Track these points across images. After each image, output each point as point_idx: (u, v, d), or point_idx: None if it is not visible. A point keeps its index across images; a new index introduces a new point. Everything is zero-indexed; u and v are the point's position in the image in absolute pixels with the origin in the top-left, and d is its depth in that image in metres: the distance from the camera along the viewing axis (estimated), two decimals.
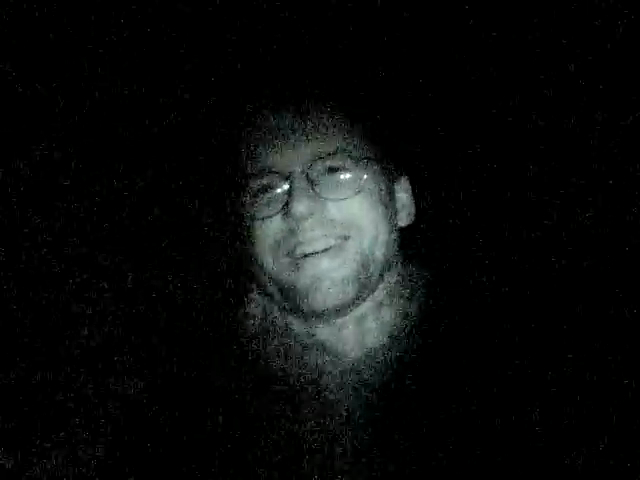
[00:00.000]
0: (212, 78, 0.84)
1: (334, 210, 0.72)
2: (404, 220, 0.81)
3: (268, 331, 0.78)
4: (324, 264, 0.71)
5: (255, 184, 0.74)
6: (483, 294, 0.80)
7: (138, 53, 0.91)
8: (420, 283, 0.81)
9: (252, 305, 0.82)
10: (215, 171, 0.81)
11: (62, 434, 0.81)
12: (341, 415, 0.71)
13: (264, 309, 0.81)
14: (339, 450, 0.69)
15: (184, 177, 0.91)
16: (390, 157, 0.80)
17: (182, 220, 0.94)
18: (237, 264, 0.82)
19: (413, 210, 0.82)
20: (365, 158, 0.75)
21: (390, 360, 0.73)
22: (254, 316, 0.81)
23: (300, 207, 0.70)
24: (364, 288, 0.74)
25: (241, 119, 0.78)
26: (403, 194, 0.82)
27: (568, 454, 0.66)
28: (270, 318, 0.79)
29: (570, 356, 0.71)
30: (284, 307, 0.77)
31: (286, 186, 0.72)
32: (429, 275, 0.82)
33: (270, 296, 0.78)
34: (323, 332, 0.75)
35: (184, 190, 0.91)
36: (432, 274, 0.82)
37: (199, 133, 0.85)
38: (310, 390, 0.72)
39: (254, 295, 0.82)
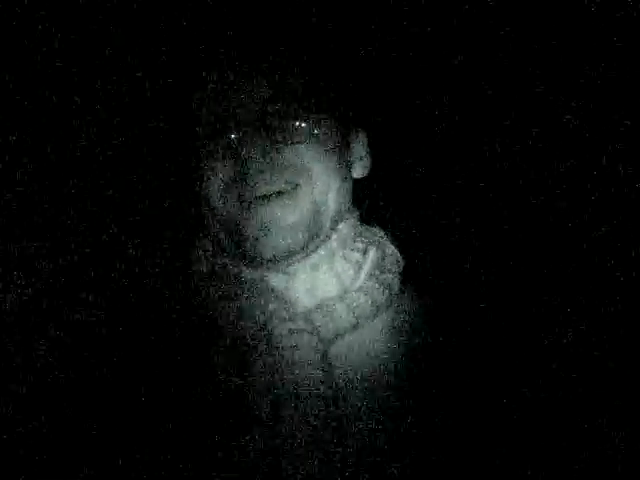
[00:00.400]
0: (165, 25, 0.81)
1: (286, 155, 0.71)
2: (359, 172, 0.80)
3: (219, 277, 0.76)
4: (274, 209, 0.70)
5: (207, 129, 0.72)
6: (429, 252, 0.81)
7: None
8: (373, 237, 0.81)
9: (201, 251, 0.80)
10: (169, 116, 0.79)
11: None
12: (294, 360, 0.69)
13: (214, 255, 0.79)
14: (289, 400, 0.68)
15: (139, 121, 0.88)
16: (348, 108, 0.79)
17: (134, 163, 0.91)
18: (187, 208, 0.80)
19: (369, 163, 0.81)
20: (321, 106, 0.73)
21: (342, 310, 0.73)
22: (204, 261, 0.79)
23: (251, 149, 0.69)
24: (315, 237, 0.73)
25: (195, 65, 0.75)
26: (359, 146, 0.81)
27: (567, 454, 0.67)
28: (220, 265, 0.78)
29: (563, 358, 0.71)
30: (234, 254, 0.75)
31: (238, 129, 0.70)
32: (381, 230, 0.83)
33: (220, 242, 0.76)
34: (274, 279, 0.74)
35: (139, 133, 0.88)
36: (384, 229, 0.82)
37: (154, 79, 0.82)
38: (262, 337, 0.71)
39: (204, 241, 0.80)
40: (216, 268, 0.78)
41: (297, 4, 0.78)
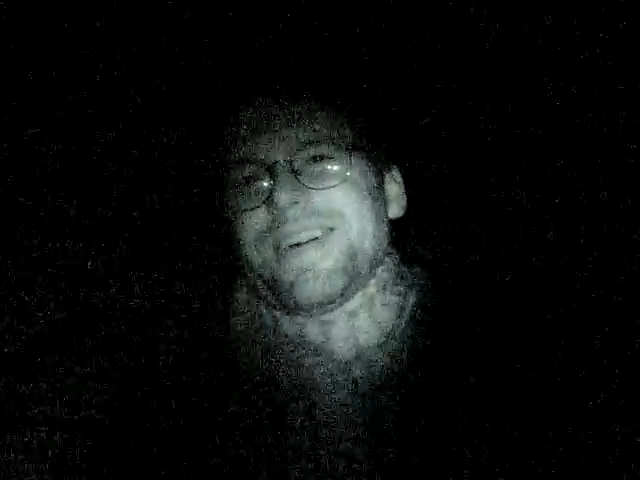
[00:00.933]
0: (194, 68, 0.81)
1: (319, 200, 0.69)
2: (395, 212, 0.78)
3: (256, 330, 0.75)
4: (309, 255, 0.68)
5: (237, 175, 0.71)
6: (477, 292, 0.78)
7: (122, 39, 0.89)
8: (414, 279, 0.78)
9: (239, 302, 0.78)
10: (197, 163, 0.78)
11: None
12: (333, 416, 0.67)
13: (251, 306, 0.77)
14: (332, 455, 0.66)
15: (165, 170, 0.88)
16: (379, 146, 0.77)
17: (165, 215, 0.91)
18: (223, 260, 0.79)
19: (404, 202, 0.79)
20: (351, 147, 0.71)
21: (383, 360, 0.70)
22: (241, 313, 0.77)
23: (283, 196, 0.67)
24: (352, 281, 0.71)
25: (223, 108, 0.75)
26: (394, 185, 0.79)
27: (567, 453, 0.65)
28: (257, 316, 0.76)
29: (561, 351, 0.69)
30: (271, 303, 0.73)
31: (269, 176, 0.69)
32: (423, 271, 0.79)
33: (257, 292, 0.74)
34: (312, 329, 0.72)
35: (166, 183, 0.88)
36: (426, 270, 0.79)
37: (181, 123, 0.82)
38: (301, 392, 0.69)
39: (241, 292, 0.79)
40: (254, 320, 0.76)
41: (327, 46, 0.77)
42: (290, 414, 0.68)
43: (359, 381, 0.69)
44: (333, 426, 0.66)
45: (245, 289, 0.78)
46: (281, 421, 0.68)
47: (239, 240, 0.72)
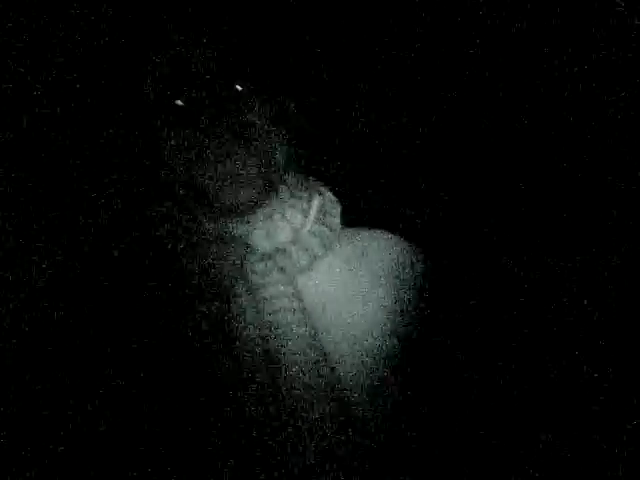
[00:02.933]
0: None
1: (235, 112, 0.80)
2: (295, 124, 0.88)
3: (183, 232, 0.85)
4: (231, 164, 0.79)
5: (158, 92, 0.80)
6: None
7: None
8: (316, 188, 0.92)
9: (163, 209, 0.87)
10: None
11: None
12: (269, 298, 0.81)
13: (175, 213, 0.87)
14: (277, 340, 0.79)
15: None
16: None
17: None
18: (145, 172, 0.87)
19: (300, 119, 0.89)
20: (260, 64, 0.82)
21: (297, 252, 0.85)
22: (166, 219, 0.87)
23: (201, 106, 0.78)
24: (268, 187, 0.83)
25: None
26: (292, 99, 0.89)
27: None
28: (182, 221, 0.86)
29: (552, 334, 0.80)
30: (195, 211, 0.85)
31: (187, 89, 0.79)
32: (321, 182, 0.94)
33: (180, 202, 0.85)
34: (237, 229, 0.84)
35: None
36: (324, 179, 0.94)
37: None
38: (230, 282, 0.81)
39: (162, 205, 0.88)
40: (179, 225, 0.86)
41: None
42: (233, 300, 0.81)
43: (284, 269, 0.83)
44: (273, 306, 0.80)
45: (164, 202, 0.88)
46: (219, 312, 0.81)
47: (166, 154, 0.81)
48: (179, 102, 0.79)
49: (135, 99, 0.83)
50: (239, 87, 0.81)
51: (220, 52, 0.80)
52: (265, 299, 0.80)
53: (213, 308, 0.81)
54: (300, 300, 0.81)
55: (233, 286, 0.81)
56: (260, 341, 0.79)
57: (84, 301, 0.82)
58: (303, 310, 0.80)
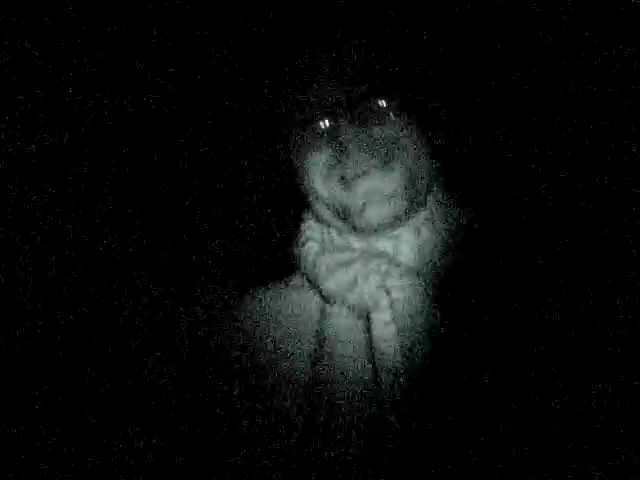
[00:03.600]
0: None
1: (377, 133, 0.79)
2: (440, 139, 0.86)
3: (330, 250, 0.86)
4: (374, 182, 0.79)
5: (299, 118, 0.81)
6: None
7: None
8: (462, 203, 0.88)
9: (310, 231, 0.89)
10: (260, 110, 0.87)
11: None
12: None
13: (322, 233, 0.88)
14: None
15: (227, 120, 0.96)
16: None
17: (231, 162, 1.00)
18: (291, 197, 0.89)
19: (446, 130, 0.88)
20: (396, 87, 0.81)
21: (446, 266, 0.82)
22: (314, 239, 0.88)
23: (344, 131, 0.78)
24: (413, 202, 0.81)
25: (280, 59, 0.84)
26: (438, 114, 0.87)
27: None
28: (329, 240, 0.87)
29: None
30: (339, 228, 0.85)
31: (330, 116, 0.80)
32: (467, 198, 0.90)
33: (326, 222, 0.86)
34: (382, 244, 0.83)
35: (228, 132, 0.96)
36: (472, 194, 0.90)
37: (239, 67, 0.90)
38: (379, 296, 0.79)
39: (311, 223, 0.90)
40: (326, 244, 0.87)
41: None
42: (372, 319, 0.79)
43: (431, 284, 0.80)
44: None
45: (313, 219, 0.89)
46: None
47: (308, 178, 0.82)
48: (323, 123, 0.80)
49: (279, 119, 0.84)
50: (382, 102, 0.80)
51: (362, 67, 0.80)
52: (407, 316, 0.78)
53: (353, 324, 0.81)
54: (442, 319, 0.77)
55: (375, 301, 0.79)
56: (399, 360, 0.76)
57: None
58: (445, 329, 0.77)
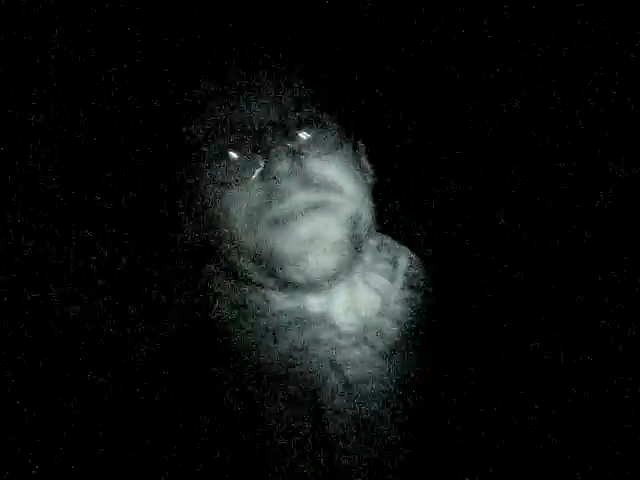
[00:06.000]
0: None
1: (314, 168, 0.66)
2: (370, 180, 0.76)
3: (247, 313, 0.69)
4: (315, 225, 0.64)
5: (219, 144, 0.66)
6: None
7: None
8: (396, 246, 0.77)
9: (220, 287, 0.72)
10: (171, 133, 0.70)
11: None
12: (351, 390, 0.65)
13: (235, 291, 0.71)
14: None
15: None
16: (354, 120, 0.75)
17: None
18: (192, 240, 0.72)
19: (372, 172, 0.77)
20: (335, 117, 0.69)
21: (387, 325, 0.69)
22: (226, 298, 0.71)
23: (279, 165, 0.63)
24: (356, 251, 0.68)
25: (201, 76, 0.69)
26: (364, 157, 0.77)
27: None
28: (245, 299, 0.70)
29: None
30: (261, 284, 0.69)
31: (259, 143, 0.64)
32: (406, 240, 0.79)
33: (240, 274, 0.69)
34: (314, 305, 0.68)
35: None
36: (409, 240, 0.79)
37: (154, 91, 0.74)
38: (310, 369, 0.65)
39: (220, 277, 0.72)
40: (242, 303, 0.70)
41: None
42: (304, 394, 0.64)
43: (369, 350, 0.66)
44: (363, 390, 0.65)
45: (223, 273, 0.72)
46: (295, 402, 0.64)
47: (228, 219, 0.66)
48: (255, 156, 0.65)
49: (192, 152, 0.68)
50: (321, 133, 0.67)
51: (300, 92, 0.67)
52: (356, 381, 0.64)
53: (299, 394, 0.65)
54: (394, 380, 0.65)
55: (324, 379, 0.65)
56: (353, 427, 0.63)
57: None
58: (399, 394, 0.64)
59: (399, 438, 0.63)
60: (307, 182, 0.64)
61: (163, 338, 0.71)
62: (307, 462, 0.62)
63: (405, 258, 0.74)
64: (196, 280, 0.74)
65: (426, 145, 0.90)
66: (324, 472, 0.62)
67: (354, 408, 0.63)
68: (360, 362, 0.65)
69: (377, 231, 0.75)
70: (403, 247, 0.77)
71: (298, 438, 0.63)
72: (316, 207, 0.64)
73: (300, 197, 0.64)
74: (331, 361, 0.65)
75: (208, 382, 0.66)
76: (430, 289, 0.73)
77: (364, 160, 0.77)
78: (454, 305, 0.74)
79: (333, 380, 0.64)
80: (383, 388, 0.64)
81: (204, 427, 0.64)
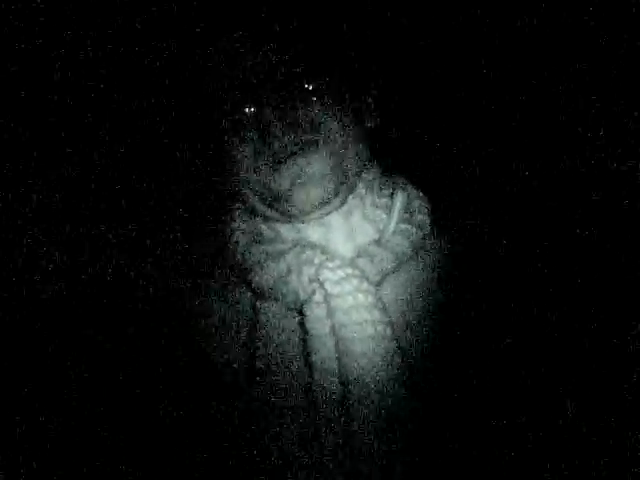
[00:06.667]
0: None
1: (303, 113, 0.74)
2: (371, 122, 0.83)
3: (259, 241, 0.81)
4: (300, 163, 0.74)
5: (221, 103, 0.76)
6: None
7: None
8: (398, 182, 0.84)
9: (237, 221, 0.83)
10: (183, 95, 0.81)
11: None
12: (346, 309, 0.73)
13: (249, 224, 0.83)
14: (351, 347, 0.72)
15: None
16: (354, 63, 0.81)
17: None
18: (214, 186, 0.84)
19: (378, 112, 0.84)
20: (328, 63, 0.76)
21: (383, 254, 0.77)
22: (241, 229, 0.82)
23: (270, 114, 0.73)
24: (342, 184, 0.76)
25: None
26: (369, 97, 0.83)
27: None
28: (257, 231, 0.82)
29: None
30: (269, 216, 0.79)
31: (254, 96, 0.74)
32: (405, 177, 0.86)
33: (254, 211, 0.80)
34: (313, 232, 0.78)
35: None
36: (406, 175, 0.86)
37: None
38: (313, 292, 0.74)
39: (238, 213, 0.84)
40: (255, 234, 0.81)
41: None
42: (308, 313, 0.74)
43: (365, 273, 0.75)
44: (351, 316, 0.72)
45: (240, 209, 0.84)
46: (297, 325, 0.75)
47: (234, 161, 0.76)
48: (247, 107, 0.75)
49: (201, 104, 0.78)
50: (309, 85, 0.75)
51: (289, 50, 0.75)
52: (343, 310, 0.72)
53: (286, 320, 0.75)
54: (382, 311, 0.73)
55: (309, 296, 0.74)
56: (335, 358, 0.72)
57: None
58: (386, 323, 0.72)
59: (380, 362, 0.71)
60: (295, 127, 0.74)
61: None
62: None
63: (403, 192, 0.81)
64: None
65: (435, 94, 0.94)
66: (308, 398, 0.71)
67: (335, 327, 0.72)
68: (343, 281, 0.73)
69: (376, 166, 0.83)
70: (403, 181, 0.85)
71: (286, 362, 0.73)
72: (301, 147, 0.74)
73: (287, 139, 0.73)
74: (318, 279, 0.74)
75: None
76: (428, 223, 0.81)
77: (370, 102, 0.83)
78: (450, 242, 0.81)
79: (317, 296, 0.74)
80: (367, 313, 0.72)
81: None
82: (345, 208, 0.78)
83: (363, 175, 0.80)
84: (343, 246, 0.78)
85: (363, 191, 0.80)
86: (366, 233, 0.79)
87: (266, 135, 0.73)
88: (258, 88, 0.74)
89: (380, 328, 0.71)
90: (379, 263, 0.76)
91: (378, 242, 0.78)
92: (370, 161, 0.81)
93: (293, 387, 0.73)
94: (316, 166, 0.74)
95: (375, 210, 0.80)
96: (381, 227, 0.79)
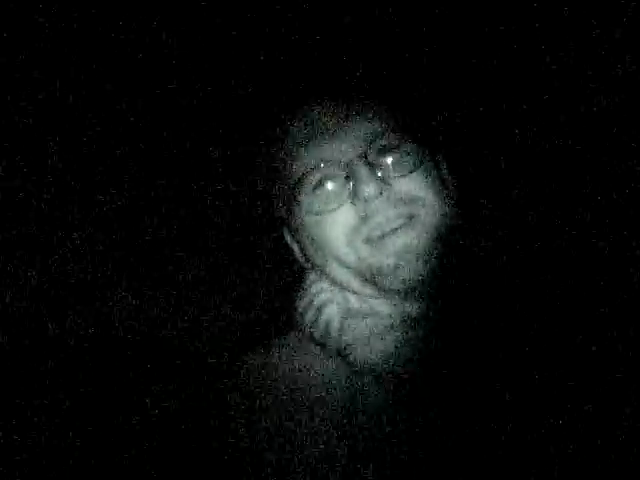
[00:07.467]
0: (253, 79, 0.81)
1: (400, 188, 0.76)
2: (451, 195, 0.83)
3: (351, 315, 0.80)
4: (405, 239, 0.75)
5: (313, 178, 0.77)
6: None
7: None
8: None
9: (325, 293, 0.82)
10: (269, 172, 0.81)
11: None
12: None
13: (339, 297, 0.82)
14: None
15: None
16: (429, 136, 0.83)
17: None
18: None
19: (453, 185, 0.85)
20: (412, 137, 0.78)
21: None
22: (333, 303, 0.81)
23: (368, 190, 0.74)
24: (442, 258, 0.76)
25: (286, 117, 0.79)
26: (444, 170, 0.85)
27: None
28: (349, 302, 0.81)
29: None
30: (361, 292, 0.79)
31: (348, 173, 0.75)
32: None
33: (343, 285, 0.80)
34: (412, 309, 0.77)
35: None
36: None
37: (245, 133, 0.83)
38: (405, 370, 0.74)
39: (322, 285, 0.83)
40: (350, 309, 0.80)
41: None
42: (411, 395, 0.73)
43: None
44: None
45: (324, 282, 0.83)
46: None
47: (327, 240, 0.77)
48: (341, 181, 0.76)
49: (294, 179, 0.78)
50: (400, 155, 0.76)
51: (379, 120, 0.77)
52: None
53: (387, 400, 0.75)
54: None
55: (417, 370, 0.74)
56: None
57: None
58: None
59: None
60: (394, 203, 0.75)
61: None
62: None
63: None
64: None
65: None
66: None
67: None
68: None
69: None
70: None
71: None
72: (404, 221, 0.75)
73: (389, 214, 0.75)
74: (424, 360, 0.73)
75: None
76: None
77: (445, 173, 0.85)
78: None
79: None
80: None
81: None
82: (437, 282, 0.77)
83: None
84: (439, 321, 0.75)
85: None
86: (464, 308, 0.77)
87: (365, 210, 0.75)
88: (351, 160, 0.75)
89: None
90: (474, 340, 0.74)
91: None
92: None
93: None
94: (421, 241, 0.75)
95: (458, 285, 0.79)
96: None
